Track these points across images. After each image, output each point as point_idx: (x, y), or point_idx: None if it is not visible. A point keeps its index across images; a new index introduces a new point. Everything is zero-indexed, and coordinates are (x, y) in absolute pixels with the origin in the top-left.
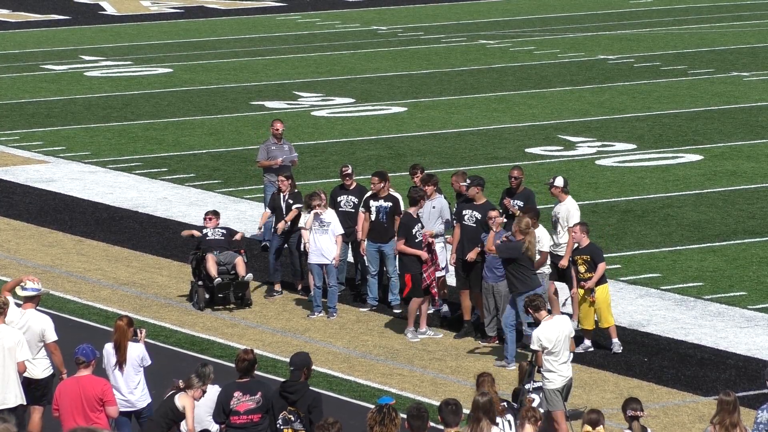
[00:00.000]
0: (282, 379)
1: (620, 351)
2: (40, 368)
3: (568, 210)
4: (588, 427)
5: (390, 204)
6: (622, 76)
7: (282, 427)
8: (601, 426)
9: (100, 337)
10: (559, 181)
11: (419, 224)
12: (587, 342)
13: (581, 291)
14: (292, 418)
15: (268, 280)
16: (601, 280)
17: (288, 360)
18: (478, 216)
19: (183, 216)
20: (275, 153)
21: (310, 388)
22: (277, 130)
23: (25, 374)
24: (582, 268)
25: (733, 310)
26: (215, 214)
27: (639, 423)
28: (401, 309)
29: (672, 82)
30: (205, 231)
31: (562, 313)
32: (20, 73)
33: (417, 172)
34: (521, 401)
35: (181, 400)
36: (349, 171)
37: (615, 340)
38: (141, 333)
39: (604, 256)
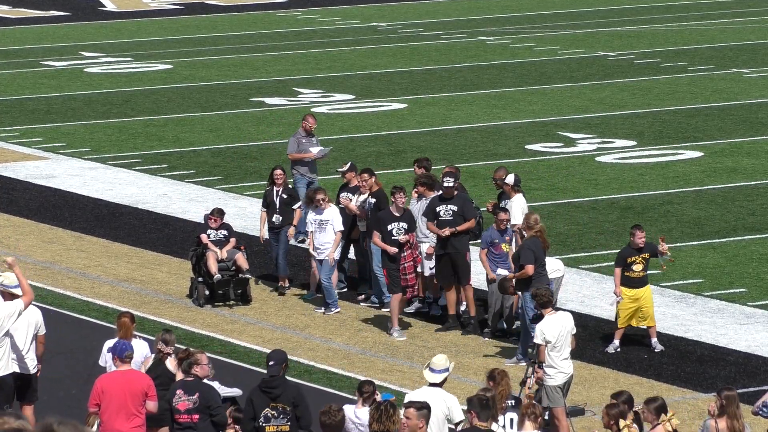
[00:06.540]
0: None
1: (659, 351)
2: (32, 363)
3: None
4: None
5: (374, 200)
6: (622, 72)
7: (264, 425)
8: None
9: (99, 334)
10: (510, 179)
11: (398, 222)
12: (617, 342)
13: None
14: (276, 414)
15: (274, 275)
16: (646, 282)
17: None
18: (454, 209)
19: (183, 212)
20: (305, 146)
21: (289, 380)
22: (312, 126)
23: (18, 370)
24: (639, 267)
25: (733, 307)
26: (220, 213)
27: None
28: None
29: (672, 79)
30: (208, 231)
31: (564, 310)
32: (20, 70)
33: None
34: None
35: (172, 364)
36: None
37: (654, 339)
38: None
39: (605, 253)
